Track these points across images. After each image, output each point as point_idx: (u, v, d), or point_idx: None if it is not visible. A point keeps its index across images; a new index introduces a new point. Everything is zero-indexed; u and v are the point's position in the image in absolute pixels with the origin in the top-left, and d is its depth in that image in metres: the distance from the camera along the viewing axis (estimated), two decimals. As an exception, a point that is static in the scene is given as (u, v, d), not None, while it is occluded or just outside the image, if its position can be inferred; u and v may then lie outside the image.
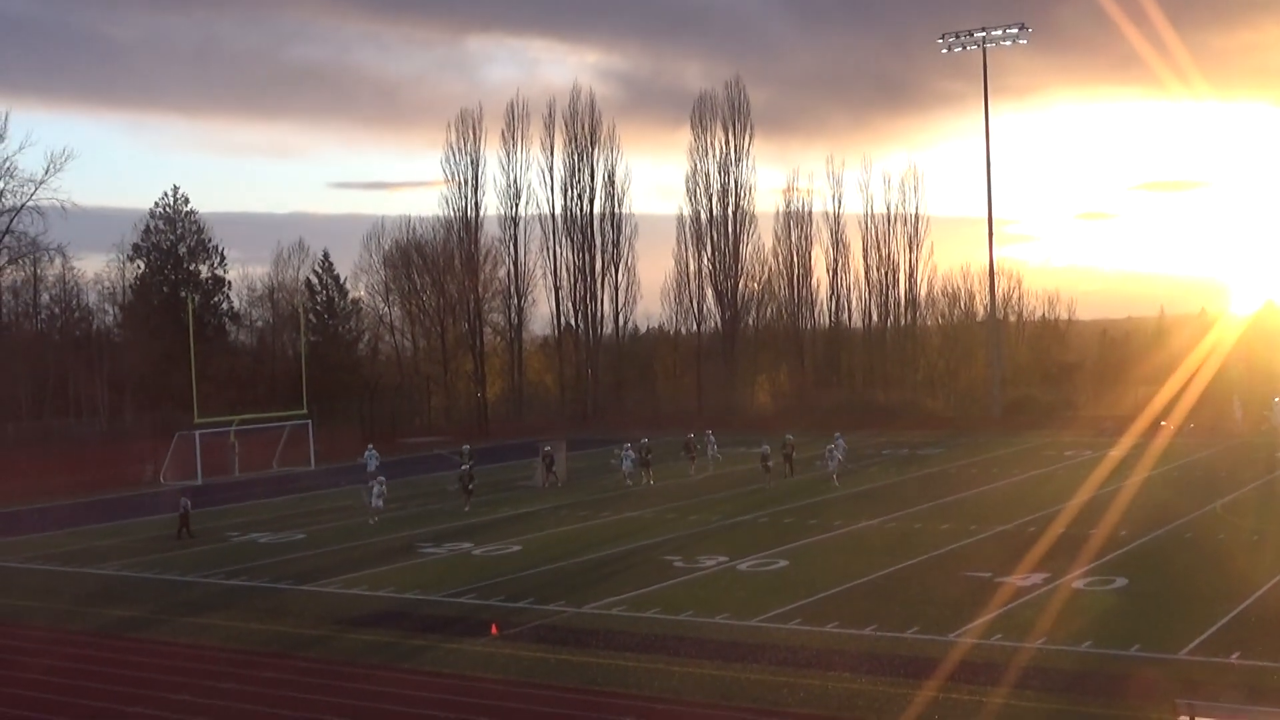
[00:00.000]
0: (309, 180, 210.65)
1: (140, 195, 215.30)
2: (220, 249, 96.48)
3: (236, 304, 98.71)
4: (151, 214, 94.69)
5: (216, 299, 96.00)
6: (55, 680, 24.23)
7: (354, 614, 29.29)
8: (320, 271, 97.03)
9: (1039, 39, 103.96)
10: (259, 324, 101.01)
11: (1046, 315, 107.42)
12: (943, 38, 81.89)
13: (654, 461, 53.19)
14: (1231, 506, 40.50)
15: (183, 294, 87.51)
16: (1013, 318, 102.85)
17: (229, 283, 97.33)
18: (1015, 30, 79.91)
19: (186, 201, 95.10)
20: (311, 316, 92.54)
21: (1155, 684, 20.81)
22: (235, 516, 47.28)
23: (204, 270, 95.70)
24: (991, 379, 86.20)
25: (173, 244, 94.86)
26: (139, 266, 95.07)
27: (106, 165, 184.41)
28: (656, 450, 54.86)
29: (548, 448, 54.46)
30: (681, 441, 57.66)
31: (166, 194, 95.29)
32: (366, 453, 52.56)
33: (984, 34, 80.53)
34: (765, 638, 25.26)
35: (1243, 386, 70.55)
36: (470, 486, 46.89)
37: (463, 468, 48.70)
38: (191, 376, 63.58)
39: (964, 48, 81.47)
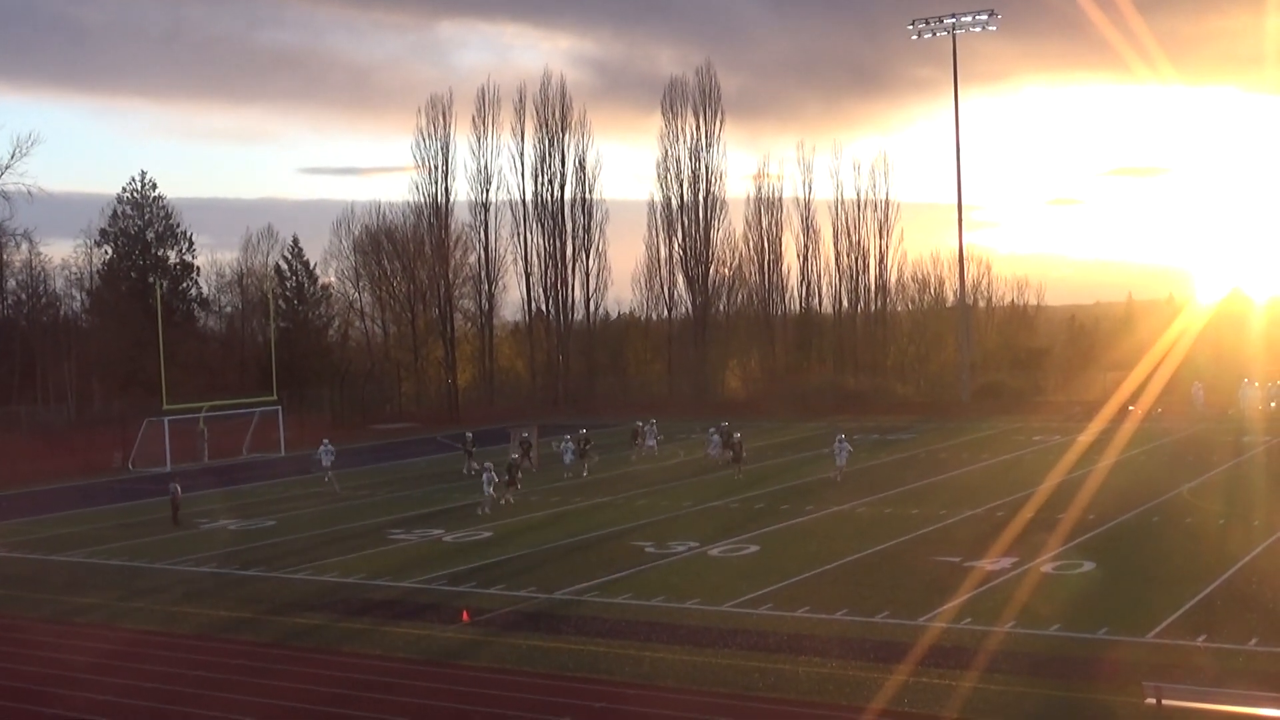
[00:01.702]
0: (279, 165, 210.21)
1: (108, 180, 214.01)
2: (189, 235, 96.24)
3: (205, 290, 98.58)
4: (119, 199, 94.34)
5: (185, 285, 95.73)
6: (25, 669, 24.09)
7: (324, 600, 29.21)
8: (290, 257, 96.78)
9: (1008, 25, 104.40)
10: (228, 310, 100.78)
11: (1016, 301, 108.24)
12: (913, 24, 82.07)
13: (592, 453, 52.32)
14: (1198, 490, 40.79)
15: (151, 280, 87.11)
16: (982, 303, 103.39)
17: (198, 268, 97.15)
18: (985, 16, 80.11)
19: (154, 187, 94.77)
20: (281, 302, 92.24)
21: (1123, 666, 20.96)
22: (204, 503, 47.05)
23: (172, 256, 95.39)
24: (961, 364, 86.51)
25: (140, 229, 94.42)
26: (106, 252, 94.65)
27: (74, 150, 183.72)
28: (625, 437, 54.89)
29: (525, 434, 54.59)
30: (630, 429, 58.06)
31: (134, 179, 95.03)
32: (321, 447, 51.38)
33: (953, 20, 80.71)
34: (736, 623, 25.32)
35: (1209, 372, 71.07)
36: (519, 476, 44.66)
37: (512, 456, 46.82)
38: (160, 363, 63.26)
39: (934, 34, 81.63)
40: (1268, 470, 45.72)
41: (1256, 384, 67.65)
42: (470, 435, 54.69)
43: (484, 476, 42.24)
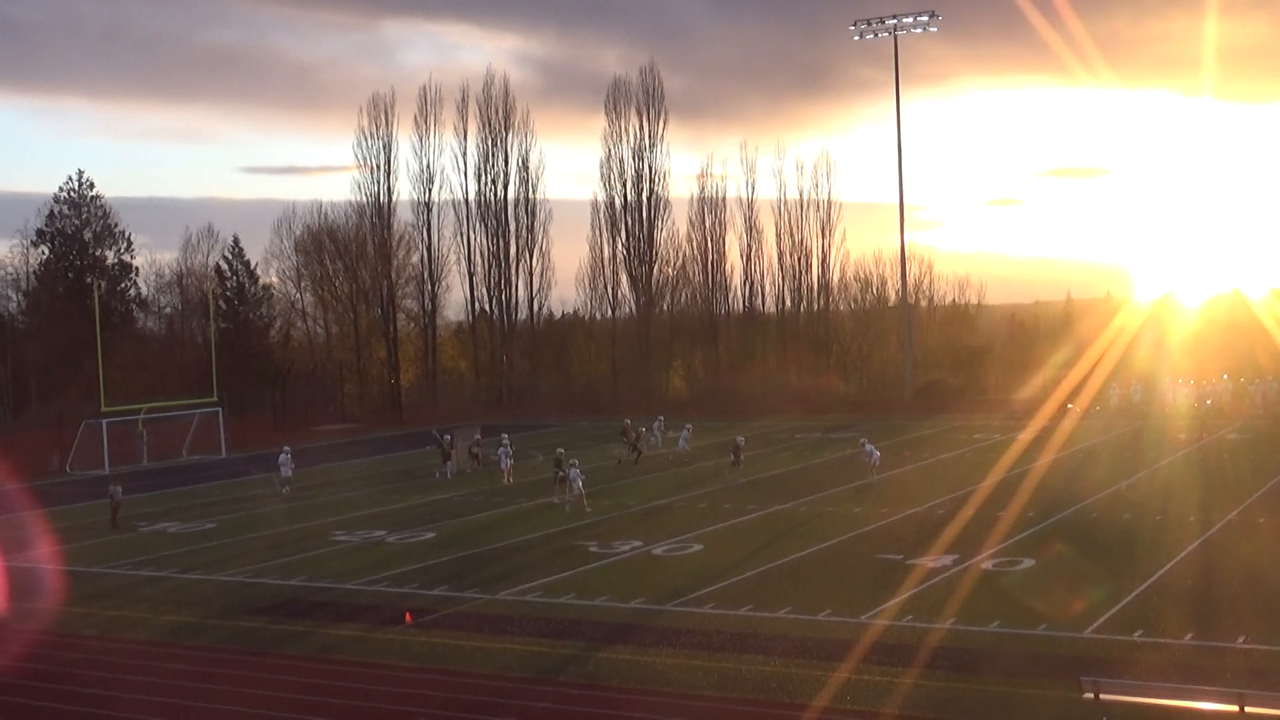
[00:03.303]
0: (219, 165, 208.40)
1: (45, 180, 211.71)
2: (127, 235, 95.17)
3: (144, 290, 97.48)
4: (56, 199, 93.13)
5: (123, 285, 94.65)
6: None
7: (264, 603, 29.01)
8: (230, 257, 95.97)
9: (950, 27, 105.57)
10: (167, 311, 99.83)
11: (957, 300, 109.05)
12: (854, 25, 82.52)
13: (468, 464, 51.65)
14: (1135, 487, 41.32)
15: (89, 280, 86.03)
16: (924, 303, 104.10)
17: (136, 269, 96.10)
18: (925, 18, 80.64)
19: (92, 186, 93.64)
20: (221, 303, 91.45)
21: (1061, 662, 21.22)
22: (144, 506, 46.59)
23: (110, 256, 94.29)
24: (903, 363, 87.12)
25: (78, 229, 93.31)
26: (43, 252, 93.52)
27: (9, 149, 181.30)
28: (581, 436, 54.77)
29: (478, 435, 54.43)
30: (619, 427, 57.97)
31: (71, 179, 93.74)
32: (281, 455, 49.41)
33: (894, 21, 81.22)
34: (680, 622, 25.39)
35: (1147, 371, 72.06)
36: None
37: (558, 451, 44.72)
38: (98, 364, 62.57)
39: (875, 34, 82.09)
40: (1203, 467, 46.37)
41: (1192, 382, 68.69)
42: (450, 437, 53.51)
43: (571, 473, 41.69)
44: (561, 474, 42.95)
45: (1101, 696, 18.19)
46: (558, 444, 51.38)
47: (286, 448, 50.77)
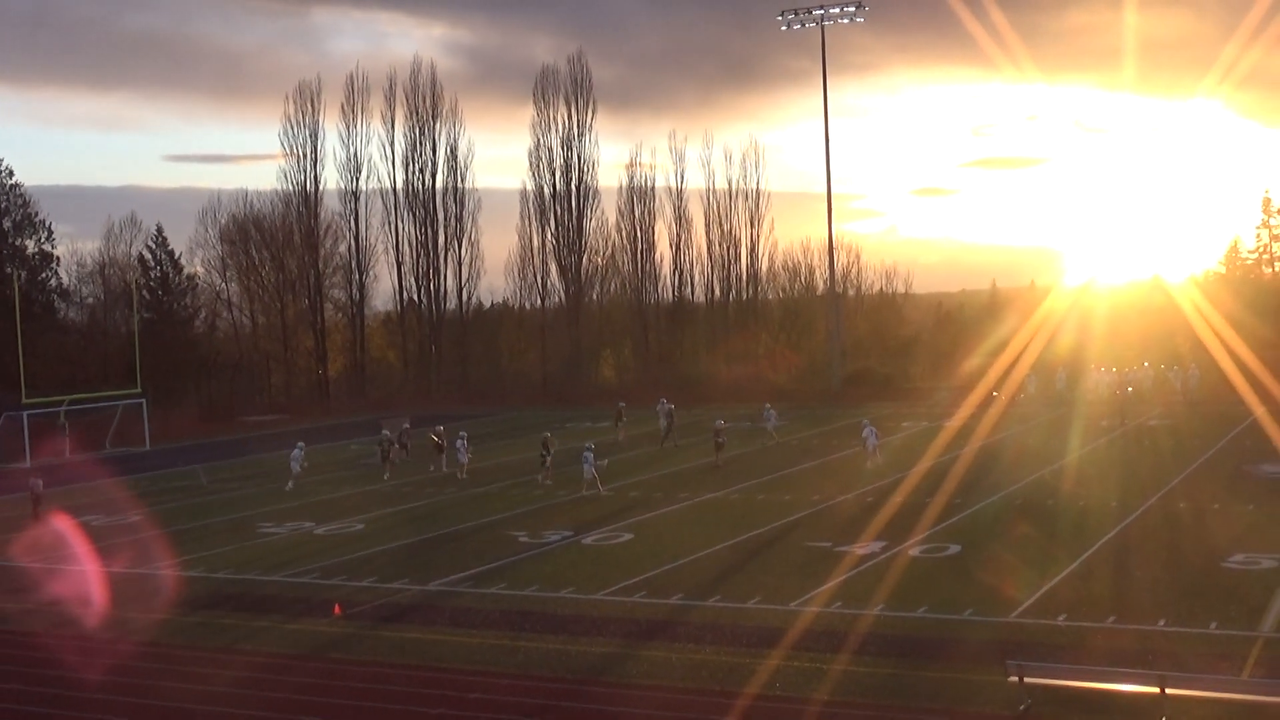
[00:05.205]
0: (143, 153, 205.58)
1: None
2: (48, 224, 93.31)
3: (66, 280, 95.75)
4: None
5: (44, 275, 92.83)
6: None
7: (191, 596, 28.69)
8: (154, 247, 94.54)
9: (878, 19, 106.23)
10: (90, 301, 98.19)
11: (884, 289, 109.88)
12: (782, 15, 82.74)
13: (397, 455, 50.31)
14: (1059, 474, 41.88)
15: (8, 270, 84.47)
16: (851, 291, 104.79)
17: (58, 258, 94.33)
18: (853, 9, 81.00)
19: (11, 174, 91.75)
20: (145, 293, 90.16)
21: (987, 646, 21.48)
22: (66, 500, 45.85)
23: (30, 245, 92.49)
24: (832, 352, 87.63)
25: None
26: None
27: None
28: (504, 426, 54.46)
29: (406, 425, 54.06)
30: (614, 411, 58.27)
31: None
32: (295, 450, 47.34)
33: (822, 12, 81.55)
34: (610, 611, 25.42)
35: (1071, 358, 72.98)
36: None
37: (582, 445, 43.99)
38: (19, 356, 61.51)
39: (803, 25, 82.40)
40: (1124, 454, 47.09)
41: (1114, 369, 69.70)
42: (442, 428, 52.17)
43: (585, 456, 41.74)
44: (548, 457, 43.62)
45: (1026, 680, 18.46)
46: (465, 432, 50.38)
47: (300, 443, 48.94)
